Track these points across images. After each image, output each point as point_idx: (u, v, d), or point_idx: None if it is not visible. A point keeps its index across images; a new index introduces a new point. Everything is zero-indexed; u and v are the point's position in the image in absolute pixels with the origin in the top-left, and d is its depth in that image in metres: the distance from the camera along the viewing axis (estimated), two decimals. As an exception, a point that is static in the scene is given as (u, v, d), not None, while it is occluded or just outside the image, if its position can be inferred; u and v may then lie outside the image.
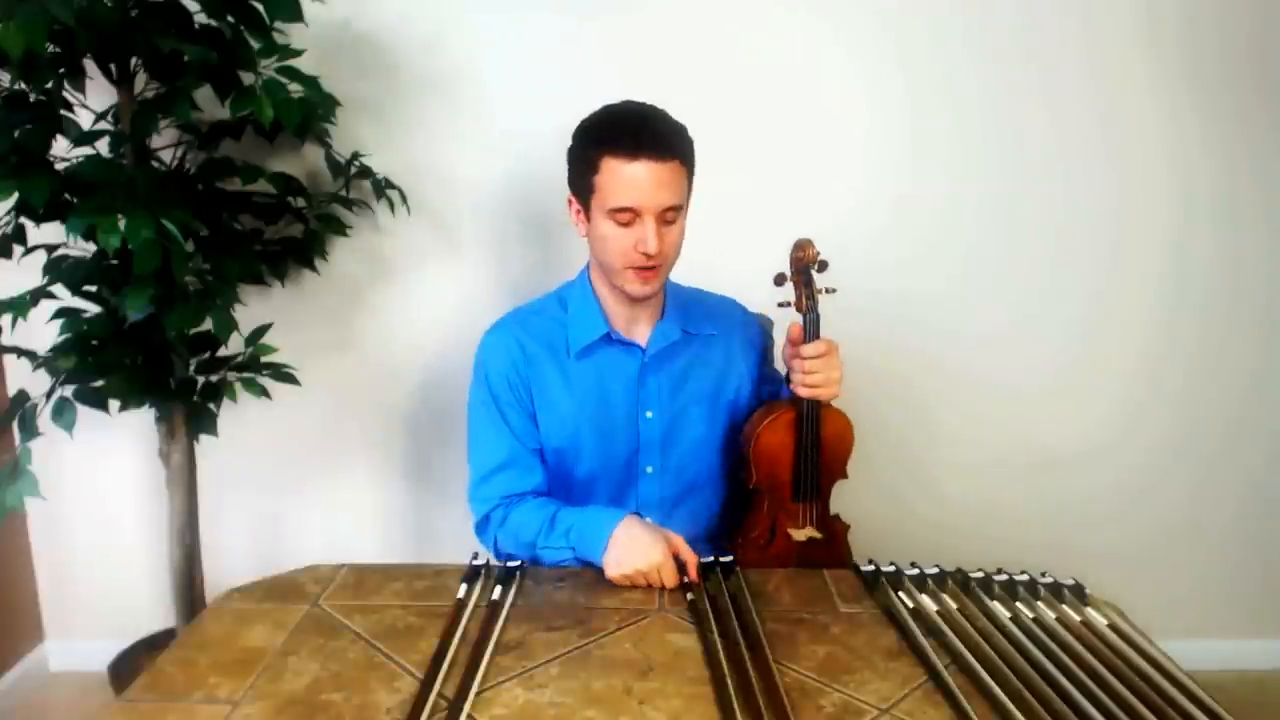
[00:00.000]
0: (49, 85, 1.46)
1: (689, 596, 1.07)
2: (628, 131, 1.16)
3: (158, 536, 1.93)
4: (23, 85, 1.45)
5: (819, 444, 1.27)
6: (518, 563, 1.15)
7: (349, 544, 2.05)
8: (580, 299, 1.31)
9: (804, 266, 1.27)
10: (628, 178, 1.15)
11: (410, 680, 0.89)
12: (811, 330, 1.25)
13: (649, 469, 1.33)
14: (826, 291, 1.28)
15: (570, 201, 1.26)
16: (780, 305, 1.31)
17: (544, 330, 1.31)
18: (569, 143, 1.23)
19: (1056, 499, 2.06)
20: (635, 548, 1.11)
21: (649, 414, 1.32)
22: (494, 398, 1.30)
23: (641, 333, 1.32)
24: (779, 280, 1.28)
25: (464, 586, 1.08)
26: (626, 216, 1.17)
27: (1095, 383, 2.02)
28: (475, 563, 1.14)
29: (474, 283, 1.93)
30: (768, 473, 1.29)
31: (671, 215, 1.19)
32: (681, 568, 1.12)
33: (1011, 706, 0.82)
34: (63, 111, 1.53)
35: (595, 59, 1.83)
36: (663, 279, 1.25)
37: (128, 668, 1.81)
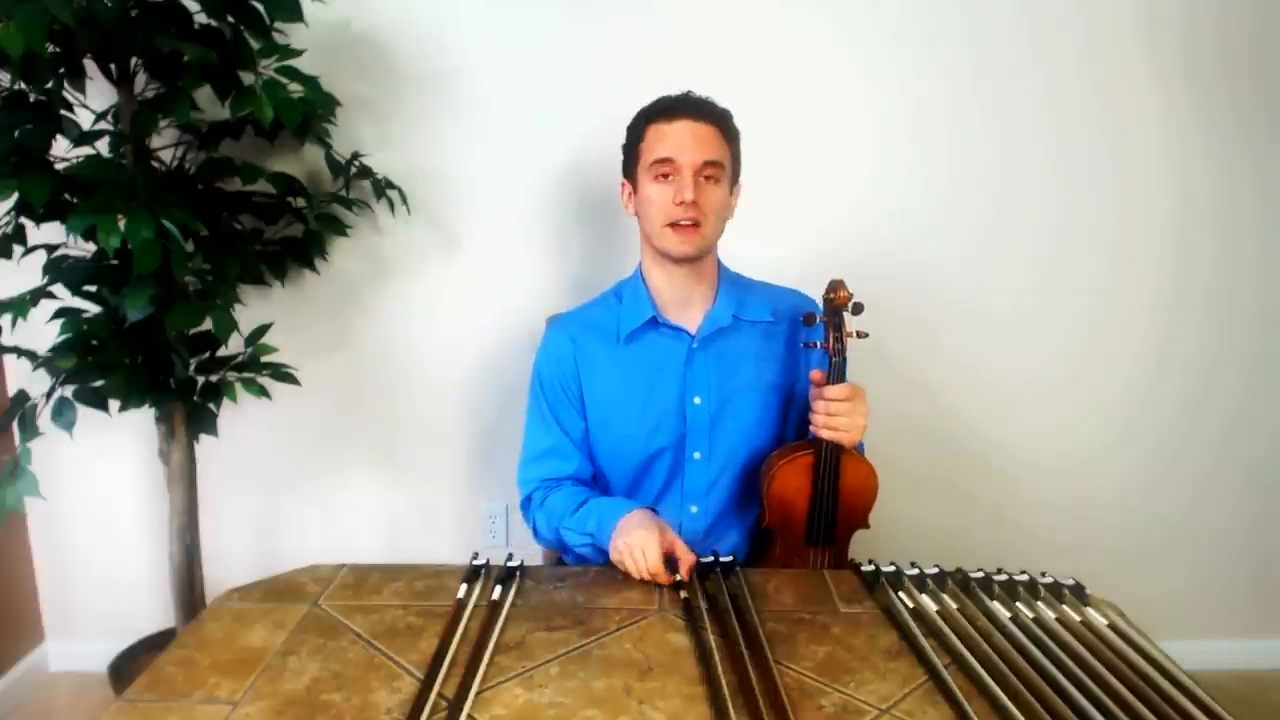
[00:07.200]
0: (49, 85, 1.46)
1: (687, 596, 1.06)
2: (670, 102, 1.27)
3: (158, 536, 1.93)
4: (23, 85, 1.45)
5: (837, 491, 1.25)
6: (518, 563, 1.15)
7: (349, 544, 2.05)
8: (632, 289, 1.37)
9: (836, 308, 1.25)
10: (666, 133, 1.24)
11: (410, 680, 0.89)
12: (837, 373, 1.23)
13: (696, 454, 1.34)
14: (858, 335, 1.27)
15: (623, 187, 1.35)
16: (805, 345, 1.30)
17: (597, 321, 1.37)
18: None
19: (1056, 499, 2.06)
20: (631, 528, 1.14)
21: (696, 399, 1.32)
22: (543, 390, 1.38)
23: (693, 318, 1.34)
24: (808, 320, 1.27)
25: (464, 586, 1.08)
26: (666, 168, 1.23)
27: (1095, 383, 2.01)
28: (475, 563, 1.14)
29: (474, 282, 1.93)
30: (781, 515, 1.27)
31: (711, 173, 1.24)
32: (676, 570, 1.11)
33: (1011, 706, 0.82)
34: (63, 111, 1.53)
35: (595, 59, 1.83)
36: (705, 240, 1.27)
37: (128, 668, 1.80)
